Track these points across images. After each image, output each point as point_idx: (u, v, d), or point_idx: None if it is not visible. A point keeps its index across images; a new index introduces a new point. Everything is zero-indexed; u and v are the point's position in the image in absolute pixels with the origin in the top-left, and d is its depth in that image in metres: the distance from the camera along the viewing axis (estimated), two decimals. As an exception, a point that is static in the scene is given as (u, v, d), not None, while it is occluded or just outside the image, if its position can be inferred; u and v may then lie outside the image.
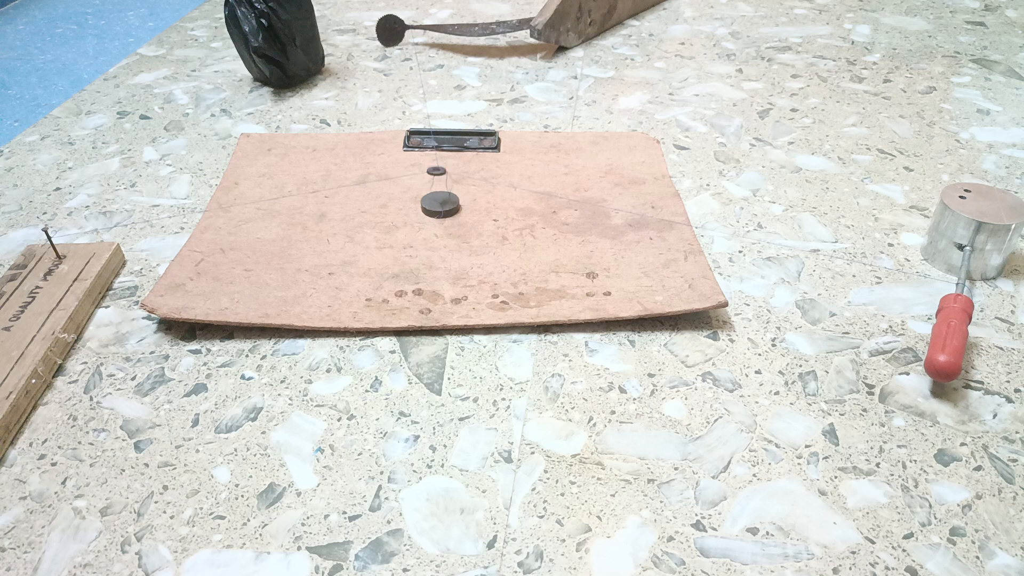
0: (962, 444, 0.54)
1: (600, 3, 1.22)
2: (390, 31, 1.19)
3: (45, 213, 0.79)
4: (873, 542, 0.47)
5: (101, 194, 0.82)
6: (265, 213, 0.77)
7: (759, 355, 0.62)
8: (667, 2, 1.39)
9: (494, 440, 0.54)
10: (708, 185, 0.84)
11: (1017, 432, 0.55)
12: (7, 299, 0.64)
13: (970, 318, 0.60)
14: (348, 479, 0.51)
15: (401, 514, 0.49)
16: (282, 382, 0.59)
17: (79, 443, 0.54)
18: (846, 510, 0.49)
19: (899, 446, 0.54)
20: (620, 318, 0.63)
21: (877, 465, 0.52)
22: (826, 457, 0.53)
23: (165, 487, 0.51)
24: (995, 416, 0.56)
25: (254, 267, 0.69)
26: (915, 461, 0.53)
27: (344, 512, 0.49)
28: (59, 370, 0.60)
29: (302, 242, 0.73)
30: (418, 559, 0.47)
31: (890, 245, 0.74)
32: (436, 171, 0.84)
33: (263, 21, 0.98)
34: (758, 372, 0.60)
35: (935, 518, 0.49)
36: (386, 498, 0.50)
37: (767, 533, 0.48)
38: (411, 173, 0.84)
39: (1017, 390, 0.58)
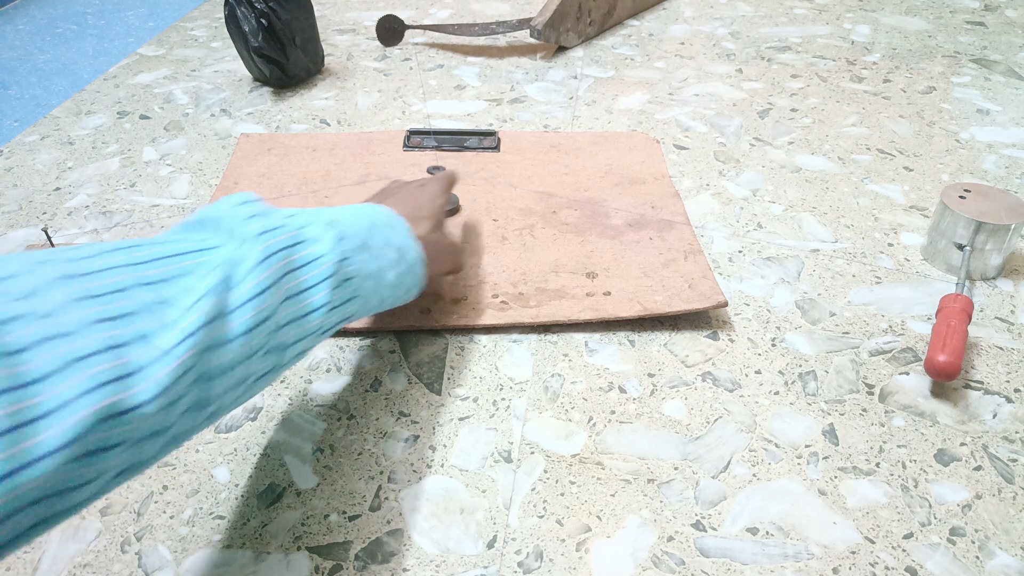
0: (962, 444, 0.54)
1: (600, 3, 1.22)
2: (390, 31, 1.19)
3: (45, 213, 0.79)
4: (873, 542, 0.47)
5: (101, 194, 0.82)
6: (265, 213, 0.77)
7: (759, 355, 0.62)
8: (667, 2, 1.39)
9: (494, 440, 0.54)
10: (708, 185, 0.84)
11: (1017, 432, 0.55)
12: (7, 299, 0.64)
13: (970, 318, 0.60)
14: (348, 479, 0.51)
15: (401, 514, 0.49)
16: (282, 382, 0.59)
17: (79, 443, 0.54)
18: (846, 510, 0.49)
19: (899, 446, 0.54)
20: (620, 318, 0.63)
21: (877, 465, 0.52)
22: (826, 457, 0.53)
23: (165, 487, 0.51)
24: (995, 416, 0.56)
25: (254, 267, 0.69)
26: (915, 461, 0.53)
27: (344, 512, 0.49)
28: (59, 370, 0.60)
29: (302, 242, 0.73)
30: (418, 559, 0.47)
31: (890, 245, 0.74)
32: (436, 171, 0.84)
33: (263, 21, 0.98)
34: (758, 372, 0.60)
35: (935, 518, 0.49)
36: (386, 498, 0.50)
37: (767, 533, 0.48)
38: (411, 173, 0.84)
39: (1017, 390, 0.58)
